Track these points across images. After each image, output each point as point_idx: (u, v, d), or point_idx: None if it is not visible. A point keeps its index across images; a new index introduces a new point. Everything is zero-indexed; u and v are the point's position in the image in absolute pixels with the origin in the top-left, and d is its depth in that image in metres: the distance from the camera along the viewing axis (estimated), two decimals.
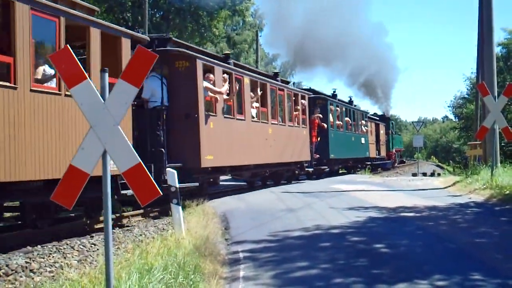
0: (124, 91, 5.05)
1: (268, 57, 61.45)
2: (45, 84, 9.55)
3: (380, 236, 9.19)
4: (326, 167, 26.30)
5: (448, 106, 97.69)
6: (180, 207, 9.37)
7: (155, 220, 12.16)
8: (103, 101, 5.03)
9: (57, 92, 9.59)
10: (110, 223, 5.08)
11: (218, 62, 15.85)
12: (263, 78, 19.47)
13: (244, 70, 17.98)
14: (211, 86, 14.72)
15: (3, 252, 8.40)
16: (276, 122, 19.89)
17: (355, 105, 34.03)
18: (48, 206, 9.75)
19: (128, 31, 12.03)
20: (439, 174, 34.62)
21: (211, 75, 14.92)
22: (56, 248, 8.85)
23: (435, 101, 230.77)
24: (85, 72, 5.11)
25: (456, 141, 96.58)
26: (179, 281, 5.97)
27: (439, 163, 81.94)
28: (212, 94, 14.79)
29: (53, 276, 7.33)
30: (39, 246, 9.01)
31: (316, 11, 41.94)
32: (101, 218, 10.99)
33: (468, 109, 58.94)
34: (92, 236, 9.99)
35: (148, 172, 5.05)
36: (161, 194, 5.15)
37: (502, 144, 32.14)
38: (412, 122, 46.37)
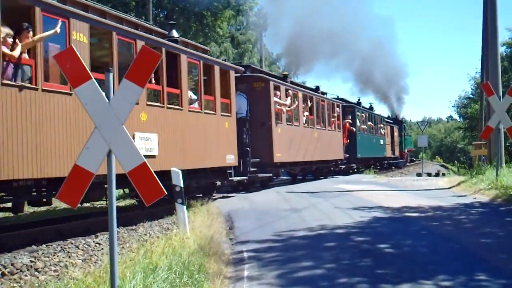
0: (129, 91, 5.05)
1: (272, 57, 61.37)
2: (191, 106, 14.08)
3: (385, 236, 9.18)
4: (354, 165, 30.97)
5: (452, 106, 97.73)
6: (184, 207, 9.38)
7: (159, 220, 12.17)
8: (108, 101, 5.04)
9: (199, 111, 14.33)
10: (115, 222, 5.09)
11: (282, 82, 20.88)
12: (310, 92, 24.52)
13: (298, 87, 23.29)
14: (278, 101, 19.51)
15: (8, 251, 8.42)
16: (320, 127, 24.73)
17: (374, 111, 38.54)
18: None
19: (232, 65, 17.19)
20: (443, 174, 34.59)
21: (278, 92, 19.75)
22: (61, 247, 8.87)
23: (439, 101, 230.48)
24: (90, 72, 5.11)
25: (460, 141, 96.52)
26: (184, 280, 5.97)
27: (444, 163, 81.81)
28: (279, 107, 19.52)
29: (58, 275, 7.35)
30: (44, 245, 9.03)
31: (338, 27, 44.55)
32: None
33: (472, 109, 58.85)
34: (97, 236, 10.00)
35: (153, 172, 5.05)
36: (166, 193, 5.15)
37: (507, 144, 32.12)
38: (417, 122, 47.88)
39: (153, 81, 12.32)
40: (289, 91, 20.99)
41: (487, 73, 22.53)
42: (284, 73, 23.88)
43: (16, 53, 8.79)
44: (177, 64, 13.32)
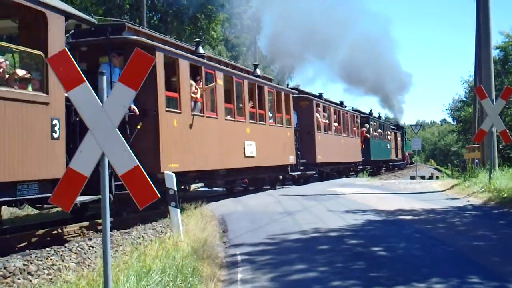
0: (122, 94, 5.05)
1: (266, 60, 61.45)
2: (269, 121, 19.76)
3: (378, 239, 9.20)
4: (368, 166, 36.62)
5: (446, 109, 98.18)
6: (178, 210, 9.37)
7: (153, 223, 12.15)
8: (101, 104, 5.04)
9: (274, 124, 20.20)
10: (108, 225, 5.09)
11: (320, 100, 26.85)
12: (339, 106, 30.68)
13: (329, 103, 28.88)
14: (318, 115, 25.31)
15: (1, 255, 8.39)
16: (345, 135, 30.46)
17: (381, 118, 45.86)
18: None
19: (291, 90, 23.60)
20: (437, 177, 34.69)
21: (318, 108, 25.78)
22: (54, 250, 8.83)
23: (433, 104, 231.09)
24: (83, 75, 5.11)
25: (454, 144, 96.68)
26: (177, 283, 5.97)
27: (437, 166, 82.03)
28: (319, 119, 25.38)
29: (51, 278, 7.32)
30: (37, 249, 9.00)
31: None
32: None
33: (466, 112, 59.06)
34: (90, 239, 9.98)
35: (146, 175, 5.05)
36: (159, 197, 5.16)
37: (500, 147, 32.25)
38: (411, 125, 49.92)
39: (251, 105, 18.25)
40: (325, 106, 27.29)
41: (480, 77, 22.60)
42: (320, 92, 28.96)
43: (198, 96, 14.52)
44: (262, 92, 19.41)
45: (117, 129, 5.05)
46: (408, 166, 55.14)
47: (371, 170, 37.54)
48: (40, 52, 9.06)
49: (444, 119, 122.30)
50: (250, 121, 17.93)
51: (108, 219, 5.09)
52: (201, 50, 15.51)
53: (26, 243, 9.56)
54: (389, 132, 44.71)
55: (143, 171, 5.05)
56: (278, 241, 9.34)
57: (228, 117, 16.46)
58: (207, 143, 14.78)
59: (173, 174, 9.68)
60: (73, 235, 10.55)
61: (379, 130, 40.57)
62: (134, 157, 5.05)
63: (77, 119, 9.91)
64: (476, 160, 23.65)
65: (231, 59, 45.11)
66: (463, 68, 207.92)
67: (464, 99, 65.65)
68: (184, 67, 13.81)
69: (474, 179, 18.07)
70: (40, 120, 8.91)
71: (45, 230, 10.36)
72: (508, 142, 20.00)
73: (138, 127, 11.83)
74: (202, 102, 14.71)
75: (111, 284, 5.08)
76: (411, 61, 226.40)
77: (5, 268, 7.46)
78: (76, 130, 10.18)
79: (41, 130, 8.93)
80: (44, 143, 9.00)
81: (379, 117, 44.33)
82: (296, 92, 24.30)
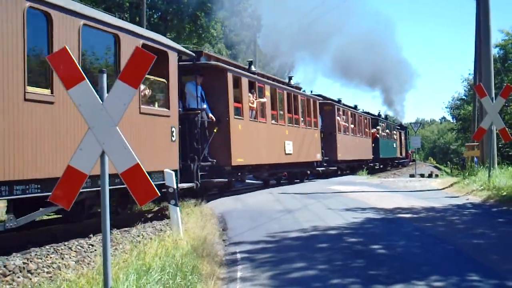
0: (122, 92, 5.05)
1: (266, 58, 61.43)
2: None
3: (377, 237, 9.21)
4: (377, 163, 40.50)
5: (445, 107, 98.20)
6: (178, 208, 9.39)
7: (153, 221, 12.16)
8: (101, 102, 5.04)
9: (305, 127, 23.89)
10: (108, 223, 5.09)
11: (340, 104, 30.93)
12: (354, 110, 34.51)
13: (346, 107, 32.59)
14: (339, 118, 29.23)
15: (2, 253, 8.40)
16: (359, 135, 34.45)
17: (388, 119, 50.10)
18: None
19: (317, 97, 27.32)
20: (436, 176, 34.68)
21: (339, 112, 29.72)
22: (54, 249, 8.84)
23: (433, 102, 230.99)
24: (83, 73, 5.12)
25: (453, 143, 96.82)
26: (177, 282, 5.98)
27: (437, 164, 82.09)
28: (342, 123, 29.59)
29: (51, 276, 7.33)
30: (36, 247, 9.01)
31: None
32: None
33: (465, 110, 59.12)
34: (90, 237, 9.98)
35: (146, 173, 5.06)
36: (159, 195, 5.17)
37: (500, 145, 32.23)
38: (410, 123, 50.82)
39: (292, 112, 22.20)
40: (344, 110, 31.09)
41: (480, 75, 22.61)
42: (339, 98, 32.23)
43: (254, 106, 18.09)
44: (296, 100, 22.95)
45: (117, 127, 5.05)
46: (410, 163, 57.49)
47: (380, 167, 41.73)
48: (164, 80, 12.32)
49: (444, 117, 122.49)
50: (288, 124, 21.60)
51: (108, 217, 5.09)
52: (253, 68, 19.69)
53: (25, 240, 9.55)
54: (395, 132, 48.44)
55: (143, 169, 5.06)
56: (278, 239, 9.35)
57: (273, 121, 20.06)
58: (259, 142, 18.53)
59: (173, 173, 9.69)
60: (72, 233, 10.55)
61: (387, 131, 44.28)
62: (134, 155, 5.05)
63: (185, 128, 14.00)
64: (476, 158, 23.66)
65: (231, 57, 45.10)
66: (463, 66, 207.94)
67: (464, 97, 65.73)
68: (245, 83, 17.62)
69: (473, 177, 18.07)
70: (164, 128, 12.22)
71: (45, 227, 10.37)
72: (508, 140, 20.03)
73: (215, 130, 15.51)
74: (256, 110, 18.31)
75: (111, 282, 5.09)
76: (410, 59, 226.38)
77: (5, 266, 7.47)
78: (184, 136, 13.91)
79: (165, 135, 12.22)
80: (166, 144, 12.27)
81: (386, 118, 48.95)
82: (321, 98, 27.97)
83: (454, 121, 75.16)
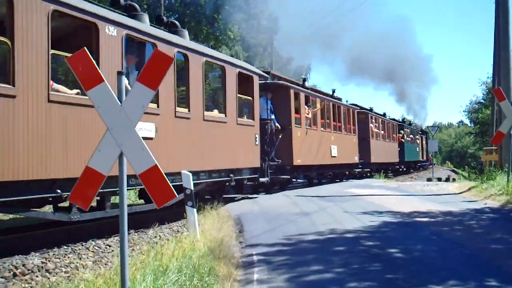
0: (141, 94, 5.07)
1: (282, 61, 61.41)
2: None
3: (395, 241, 9.16)
4: (403, 166, 44.01)
5: (463, 111, 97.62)
6: (195, 210, 9.41)
7: (170, 223, 12.20)
8: (120, 104, 5.07)
9: (346, 133, 27.44)
10: (126, 224, 5.11)
11: (372, 112, 34.56)
12: (383, 117, 37.99)
13: (379, 115, 36.75)
14: (372, 126, 33.01)
15: (20, 253, 8.47)
16: (388, 140, 37.91)
17: (412, 124, 54.46)
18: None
19: (355, 106, 30.65)
20: (454, 180, 34.48)
21: (372, 119, 33.54)
22: (72, 248, 8.91)
23: (450, 105, 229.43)
24: (102, 74, 5.15)
25: (471, 146, 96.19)
26: (194, 283, 6.00)
27: (454, 168, 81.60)
28: (374, 129, 33.40)
29: (69, 276, 7.39)
30: (55, 247, 9.08)
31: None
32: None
33: (483, 114, 58.75)
34: (107, 238, 10.04)
35: (164, 174, 5.07)
36: (177, 196, 5.18)
37: None
38: (427, 126, 51.62)
39: (336, 122, 25.74)
40: (376, 118, 34.87)
41: (498, 78, 22.47)
42: (371, 107, 36.00)
43: (309, 116, 21.47)
44: (339, 110, 26.45)
45: (135, 129, 5.07)
46: (430, 166, 59.52)
47: (404, 169, 45.04)
48: (250, 97, 16.45)
49: (461, 121, 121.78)
50: (333, 131, 25.08)
51: (126, 217, 5.11)
52: (306, 84, 23.68)
53: (44, 240, 9.63)
54: (417, 137, 52.00)
55: (161, 170, 5.07)
56: (294, 241, 9.33)
57: (322, 129, 23.53)
58: (312, 147, 21.89)
59: (190, 174, 9.72)
60: (90, 233, 10.61)
61: (411, 136, 47.97)
62: (152, 157, 5.07)
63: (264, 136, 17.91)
64: (494, 163, 23.48)
65: (247, 59, 45.15)
66: (481, 69, 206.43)
67: (482, 100, 65.34)
68: (302, 97, 21.27)
69: (491, 181, 17.94)
70: (250, 134, 16.29)
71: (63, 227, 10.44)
72: None
73: (280, 136, 19.05)
74: (310, 119, 21.90)
75: (128, 283, 5.11)
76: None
77: (23, 265, 7.55)
78: (264, 141, 17.88)
79: (251, 140, 16.32)
80: (252, 147, 16.35)
81: (410, 124, 53.47)
82: (358, 108, 31.05)
83: (472, 124, 74.72)
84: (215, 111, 14.53)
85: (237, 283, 6.80)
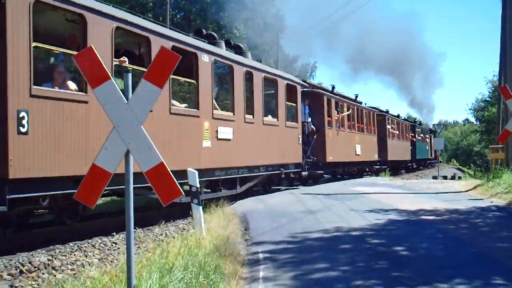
0: (147, 92, 5.08)
1: (288, 59, 61.35)
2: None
3: (400, 239, 9.15)
4: (414, 163, 47.22)
5: (469, 109, 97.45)
6: (200, 208, 9.42)
7: (175, 220, 12.22)
8: (126, 102, 5.07)
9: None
10: (132, 221, 5.12)
11: (389, 114, 37.72)
12: (398, 118, 41.41)
13: (395, 117, 40.19)
14: (389, 127, 35.44)
15: (27, 250, 8.50)
16: (402, 140, 41.06)
17: (421, 124, 58.39)
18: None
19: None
20: (459, 178, 34.38)
21: (389, 121, 35.96)
22: (78, 246, 8.94)
23: (456, 103, 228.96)
24: (108, 72, 5.16)
25: (477, 144, 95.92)
26: (200, 281, 6.00)
27: (460, 166, 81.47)
28: (391, 130, 36.25)
29: (75, 273, 7.42)
30: (61, 244, 9.11)
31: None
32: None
33: (489, 112, 58.65)
34: (113, 235, 10.07)
35: (170, 172, 5.08)
36: (183, 193, 5.18)
37: None
38: (433, 124, 51.96)
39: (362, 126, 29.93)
40: (392, 120, 38.19)
41: (505, 76, 22.39)
42: (387, 109, 39.09)
43: (339, 119, 24.71)
44: (363, 113, 30.21)
45: (142, 127, 5.08)
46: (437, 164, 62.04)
47: (415, 166, 47.88)
48: (294, 104, 19.62)
49: (467, 119, 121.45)
50: (357, 132, 28.32)
51: (132, 215, 5.13)
52: (335, 90, 26.38)
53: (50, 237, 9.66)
54: (427, 136, 55.00)
55: (167, 168, 5.08)
56: (300, 239, 9.33)
57: (348, 130, 26.61)
58: (341, 146, 24.91)
59: (196, 172, 9.73)
60: (96, 231, 10.64)
61: (421, 135, 51.31)
62: (159, 154, 5.08)
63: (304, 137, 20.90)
64: (500, 161, 23.42)
65: (253, 57, 45.13)
66: (487, 67, 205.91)
67: (488, 98, 65.20)
68: (333, 102, 24.43)
69: (497, 179, 17.88)
70: (295, 135, 19.52)
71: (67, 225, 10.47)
72: None
73: (315, 137, 21.92)
74: (339, 121, 24.98)
75: (134, 281, 5.12)
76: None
77: (30, 262, 7.57)
78: (302, 141, 20.46)
79: (296, 140, 19.57)
80: (296, 146, 19.65)
81: (421, 124, 57.29)
82: (377, 110, 34.66)
83: (478, 123, 74.56)
84: (269, 116, 17.75)
85: (243, 280, 6.81)
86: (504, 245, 8.76)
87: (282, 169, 18.34)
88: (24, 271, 7.30)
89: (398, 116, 42.64)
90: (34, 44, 8.63)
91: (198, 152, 13.15)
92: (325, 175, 25.83)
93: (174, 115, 12.16)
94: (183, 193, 5.18)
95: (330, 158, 23.20)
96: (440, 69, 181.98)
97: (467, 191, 18.55)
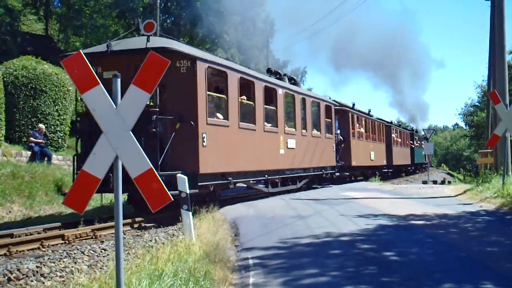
0: (136, 97, 5.07)
1: (279, 63, 61.42)
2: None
3: (390, 244, 9.16)
4: (412, 167, 51.48)
5: (458, 114, 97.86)
6: (190, 213, 9.39)
7: (165, 226, 12.18)
8: (115, 107, 5.05)
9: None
10: (121, 228, 5.10)
11: (393, 125, 44.20)
12: (399, 127, 47.51)
13: (397, 126, 45.88)
14: (394, 136, 40.63)
15: (15, 257, 8.44)
16: (403, 147, 45.59)
17: (417, 132, 61.33)
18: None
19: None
20: (449, 182, 34.50)
21: (394, 131, 41.33)
22: (67, 253, 8.88)
23: (445, 108, 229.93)
24: (97, 78, 5.13)
25: (466, 149, 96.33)
26: (190, 287, 5.98)
27: (450, 171, 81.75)
28: (395, 138, 41.75)
29: (64, 281, 7.37)
30: (49, 251, 9.05)
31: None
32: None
33: (479, 117, 58.91)
34: (103, 241, 10.02)
35: (159, 178, 5.06)
36: (172, 199, 5.16)
37: None
38: (423, 129, 52.42)
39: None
40: (396, 129, 43.13)
41: (494, 81, 22.49)
42: (391, 120, 45.82)
43: (360, 130, 30.87)
44: (375, 125, 35.34)
45: (130, 132, 5.06)
46: (431, 167, 67.50)
47: (414, 169, 52.64)
48: (330, 120, 24.43)
49: (457, 124, 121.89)
50: (371, 141, 33.83)
51: (121, 221, 5.10)
52: (355, 107, 31.92)
53: (39, 244, 9.60)
54: (422, 142, 56.88)
55: (156, 173, 5.06)
56: (290, 245, 9.32)
57: (365, 140, 32.13)
58: (360, 153, 30.30)
59: (186, 177, 9.71)
60: (85, 237, 10.59)
61: (418, 142, 55.14)
62: (148, 160, 5.06)
63: (336, 145, 25.86)
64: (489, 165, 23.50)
65: (243, 62, 45.19)
66: (476, 72, 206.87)
67: (477, 103, 65.44)
68: (356, 117, 30.30)
69: (487, 184, 17.94)
70: (331, 144, 24.24)
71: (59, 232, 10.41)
72: None
73: (342, 145, 26.92)
74: (360, 133, 30.51)
75: (124, 287, 5.09)
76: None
77: (18, 270, 7.51)
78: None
79: (331, 148, 24.18)
80: (331, 153, 24.25)
81: (417, 131, 60.45)
82: (385, 122, 40.42)
83: (467, 127, 74.84)
84: (315, 130, 22.45)
85: (233, 286, 6.80)
86: (493, 249, 8.78)
87: (323, 170, 23.45)
88: (13, 278, 7.24)
89: (399, 125, 50.47)
90: (208, 92, 13.79)
91: (277, 157, 18.29)
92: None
93: (266, 132, 17.44)
94: (172, 199, 5.16)
95: (354, 163, 28.41)
96: (431, 74, 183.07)
97: (456, 195, 18.60)
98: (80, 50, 5.20)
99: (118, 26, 41.55)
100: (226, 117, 14.82)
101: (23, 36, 37.01)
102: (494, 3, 22.29)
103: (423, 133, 68.31)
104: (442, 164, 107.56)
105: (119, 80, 5.14)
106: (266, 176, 17.57)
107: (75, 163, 12.83)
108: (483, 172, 22.23)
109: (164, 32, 36.35)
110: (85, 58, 5.11)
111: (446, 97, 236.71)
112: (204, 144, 13.26)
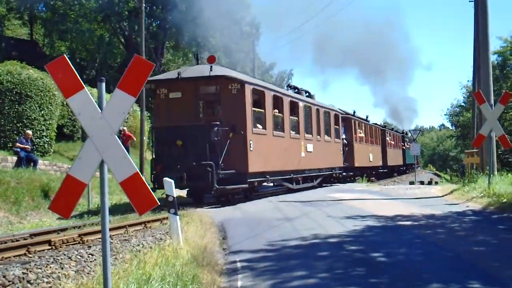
0: (121, 101, 5.04)
1: (265, 66, 61.49)
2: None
3: (378, 245, 9.18)
4: (404, 167, 54.56)
5: (445, 114, 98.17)
6: (177, 217, 9.34)
7: (152, 230, 12.12)
8: (100, 111, 5.02)
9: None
10: (108, 232, 5.07)
11: (387, 129, 46.90)
12: (392, 131, 50.49)
13: (391, 130, 50.49)
14: (388, 139, 44.46)
15: (1, 263, 8.36)
16: (395, 148, 48.92)
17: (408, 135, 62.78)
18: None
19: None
20: (436, 183, 34.65)
21: (388, 134, 45.07)
22: (54, 258, 8.80)
23: (431, 109, 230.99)
24: (82, 82, 5.10)
25: (453, 149, 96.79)
26: None
27: (436, 172, 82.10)
28: (389, 141, 45.24)
29: (51, 287, 7.30)
30: (36, 257, 8.97)
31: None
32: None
33: (464, 117, 59.24)
34: (90, 246, 9.95)
35: (145, 182, 5.03)
36: (158, 204, 5.14)
37: (499, 152, 32.19)
38: (409, 130, 52.77)
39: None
40: (389, 133, 46.69)
41: (478, 82, 22.64)
42: (385, 123, 49.65)
43: (362, 135, 35.10)
44: (372, 130, 38.66)
45: (116, 136, 5.03)
46: (418, 167, 69.56)
47: (405, 169, 55.61)
48: (338, 126, 28.58)
49: (443, 124, 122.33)
50: (369, 144, 36.57)
51: (108, 226, 5.07)
52: (356, 114, 35.39)
53: (25, 250, 9.53)
54: (412, 144, 61.27)
55: (142, 178, 5.04)
56: (278, 247, 9.31)
57: (365, 143, 35.16)
58: (362, 154, 33.52)
59: (172, 181, 9.67)
60: (72, 242, 10.52)
61: (409, 144, 56.54)
62: (134, 164, 5.03)
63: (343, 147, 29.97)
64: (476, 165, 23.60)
65: (230, 65, 45.20)
66: (462, 73, 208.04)
67: (463, 104, 65.79)
68: (357, 123, 33.51)
69: (473, 184, 18.04)
70: (339, 148, 28.43)
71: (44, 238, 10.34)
72: (507, 147, 20.02)
73: (346, 148, 30.20)
74: (363, 138, 34.60)
75: None
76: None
77: (4, 276, 7.43)
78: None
79: (339, 151, 28.41)
80: (339, 155, 28.45)
81: (407, 133, 62.48)
82: (381, 126, 44.78)
83: (453, 128, 75.21)
84: (326, 136, 26.07)
85: None
86: (480, 249, 8.83)
87: (333, 170, 26.87)
88: None
89: (392, 129, 54.10)
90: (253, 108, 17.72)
91: (299, 159, 21.88)
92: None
93: (291, 138, 21.17)
94: (158, 203, 5.14)
95: (357, 164, 31.81)
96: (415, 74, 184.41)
97: (443, 196, 18.69)
98: (64, 55, 5.16)
99: (103, 30, 41.41)
100: (264, 127, 18.65)
101: (8, 41, 36.82)
102: (477, 3, 22.44)
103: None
104: (429, 165, 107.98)
105: (103, 84, 5.11)
106: (291, 175, 21.16)
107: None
108: (469, 172, 22.35)
109: (150, 36, 36.28)
110: (70, 63, 5.07)
111: (432, 98, 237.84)
112: (251, 149, 17.10)
